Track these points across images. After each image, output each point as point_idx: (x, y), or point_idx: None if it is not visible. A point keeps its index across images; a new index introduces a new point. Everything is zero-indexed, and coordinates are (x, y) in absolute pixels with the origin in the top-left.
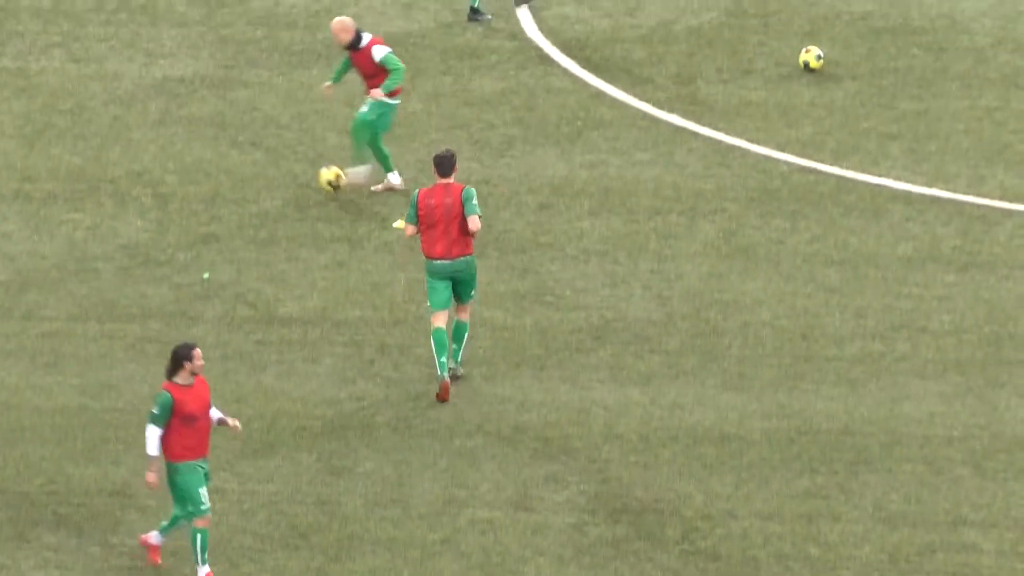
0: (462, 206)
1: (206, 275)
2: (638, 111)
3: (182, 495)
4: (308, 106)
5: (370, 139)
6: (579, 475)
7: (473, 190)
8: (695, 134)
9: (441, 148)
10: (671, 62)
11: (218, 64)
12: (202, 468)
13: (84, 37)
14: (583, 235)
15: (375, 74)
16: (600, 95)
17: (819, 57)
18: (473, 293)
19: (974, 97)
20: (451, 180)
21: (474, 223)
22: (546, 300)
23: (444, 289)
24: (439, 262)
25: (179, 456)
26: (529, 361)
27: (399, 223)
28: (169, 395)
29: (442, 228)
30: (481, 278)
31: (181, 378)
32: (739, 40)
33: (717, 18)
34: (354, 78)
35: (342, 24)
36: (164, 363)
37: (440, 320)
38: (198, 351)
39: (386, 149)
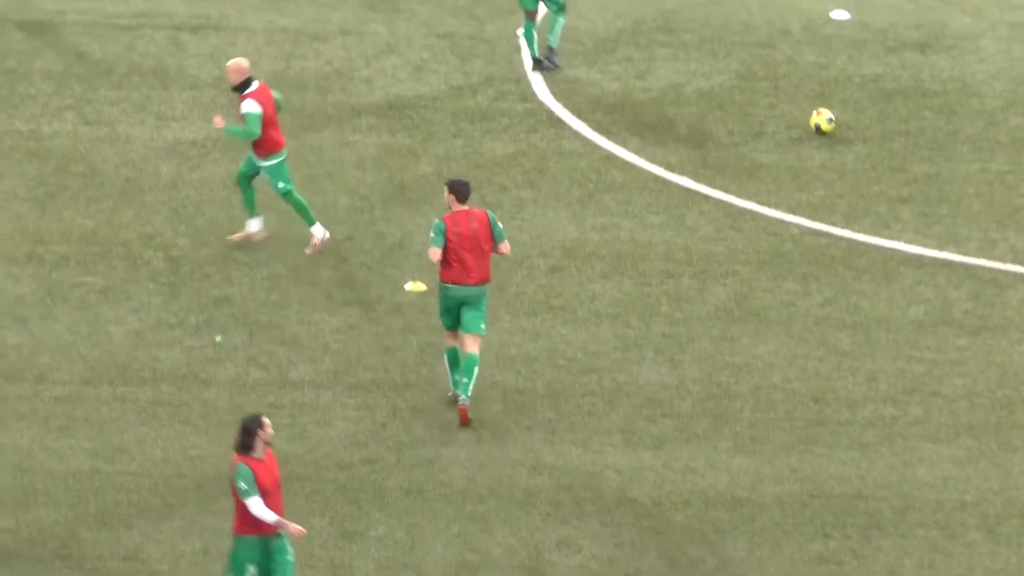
0: (490, 231)
1: (218, 338)
2: (649, 174)
3: (231, 566)
4: (319, 168)
5: (242, 182)
6: (592, 539)
7: (494, 214)
8: (706, 197)
9: (454, 177)
10: (682, 125)
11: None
12: (268, 545)
13: (96, 100)
14: (595, 298)
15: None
16: (611, 158)
17: (830, 120)
18: (483, 325)
19: (985, 160)
20: (467, 206)
21: (506, 247)
22: (558, 363)
23: (452, 315)
24: (459, 287)
25: (241, 529)
26: (541, 424)
27: (411, 285)
28: (248, 466)
29: (470, 254)
30: (492, 340)
31: (256, 451)
32: (750, 103)
33: (728, 81)
34: (363, 143)
35: (236, 65)
36: (176, 425)
37: (452, 340)
38: (267, 420)
39: (252, 194)
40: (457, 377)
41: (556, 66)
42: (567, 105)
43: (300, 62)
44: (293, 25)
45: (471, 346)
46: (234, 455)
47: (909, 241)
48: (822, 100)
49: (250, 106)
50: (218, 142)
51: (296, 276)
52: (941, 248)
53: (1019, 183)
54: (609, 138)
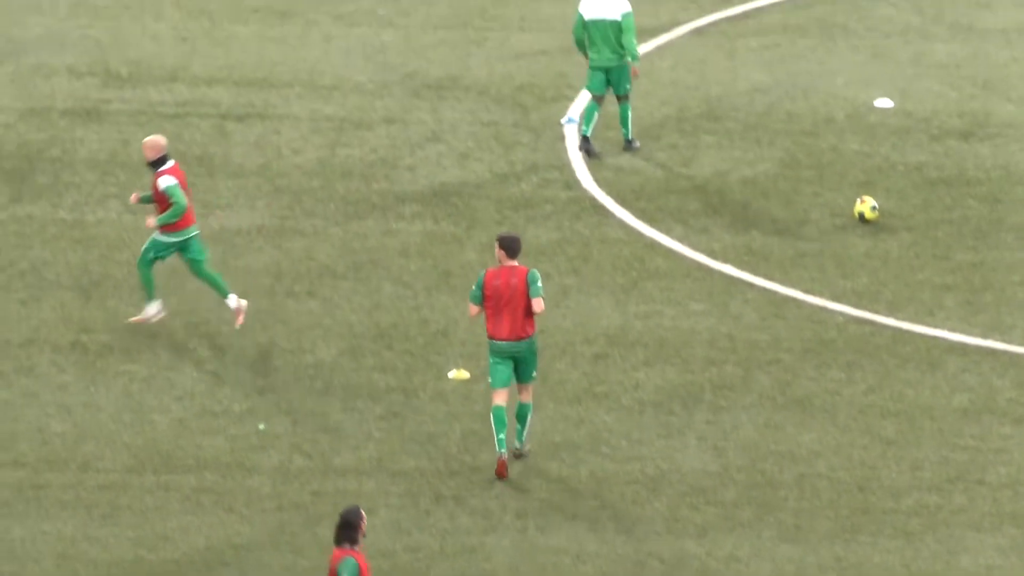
0: (527, 287)
1: (262, 426)
2: (693, 261)
3: None
4: (364, 256)
5: (142, 264)
6: None
7: (537, 272)
8: (750, 284)
9: (506, 231)
10: (726, 212)
11: (274, 214)
12: None
13: (141, 188)
14: (638, 386)
15: (161, 201)
16: (655, 245)
17: (874, 208)
18: (534, 374)
19: None
20: (516, 263)
21: (538, 305)
22: (601, 451)
23: (505, 368)
24: (503, 343)
25: None
26: (584, 512)
27: (455, 373)
28: (355, 560)
29: (507, 310)
30: (536, 428)
31: (359, 543)
32: (794, 191)
33: (772, 169)
34: (407, 231)
35: (153, 142)
36: (220, 513)
37: (500, 398)
38: (363, 513)
39: (152, 276)
40: (502, 437)
41: (594, 153)
42: (611, 193)
43: (345, 150)
44: (338, 113)
45: (524, 395)
46: (335, 549)
47: (953, 329)
48: (866, 188)
49: (168, 180)
50: (262, 229)
51: (339, 364)
52: (985, 336)
53: None
54: (653, 226)
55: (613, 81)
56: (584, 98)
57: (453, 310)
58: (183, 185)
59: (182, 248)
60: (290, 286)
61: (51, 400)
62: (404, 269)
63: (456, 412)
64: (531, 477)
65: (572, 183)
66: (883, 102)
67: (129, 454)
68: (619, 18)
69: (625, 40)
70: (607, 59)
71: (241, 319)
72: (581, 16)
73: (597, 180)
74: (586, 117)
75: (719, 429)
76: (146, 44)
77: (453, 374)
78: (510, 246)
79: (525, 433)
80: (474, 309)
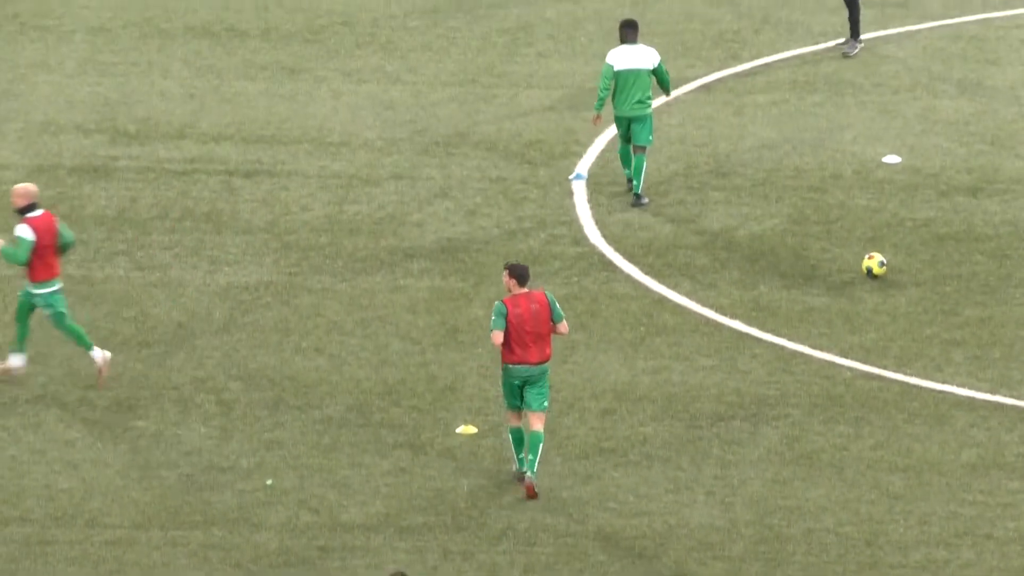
0: (550, 312)
1: (269, 481)
2: (701, 317)
3: None
4: (371, 312)
5: (20, 314)
6: None
7: (552, 294)
8: (758, 340)
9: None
10: (734, 268)
11: (282, 271)
12: None
13: (149, 245)
14: (646, 441)
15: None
16: (663, 301)
17: (882, 263)
18: (546, 403)
19: None
20: (527, 289)
21: (564, 327)
22: (609, 506)
23: (515, 395)
24: (522, 367)
25: None
26: (592, 568)
27: (462, 428)
28: None
29: (532, 335)
30: (544, 483)
31: None
32: (802, 246)
33: (780, 224)
34: (415, 287)
35: (24, 189)
36: (228, 569)
37: (516, 419)
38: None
39: (27, 329)
40: (522, 455)
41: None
42: (619, 248)
43: (353, 206)
44: (346, 170)
45: (536, 424)
46: None
47: (961, 384)
48: (874, 244)
49: (24, 231)
50: (271, 286)
51: (347, 419)
52: (993, 391)
53: None
54: (661, 281)
55: (635, 131)
56: (594, 153)
57: (461, 366)
58: (47, 235)
59: (44, 301)
60: (298, 342)
61: (58, 457)
62: (412, 325)
63: (464, 468)
64: (538, 532)
65: (580, 239)
66: (891, 158)
67: (136, 510)
68: (652, 67)
69: (664, 83)
70: (632, 108)
71: (105, 373)
72: (611, 67)
73: (605, 236)
74: (623, 159)
75: (727, 484)
76: (154, 101)
77: (461, 429)
78: (522, 274)
79: (536, 463)
80: (499, 336)
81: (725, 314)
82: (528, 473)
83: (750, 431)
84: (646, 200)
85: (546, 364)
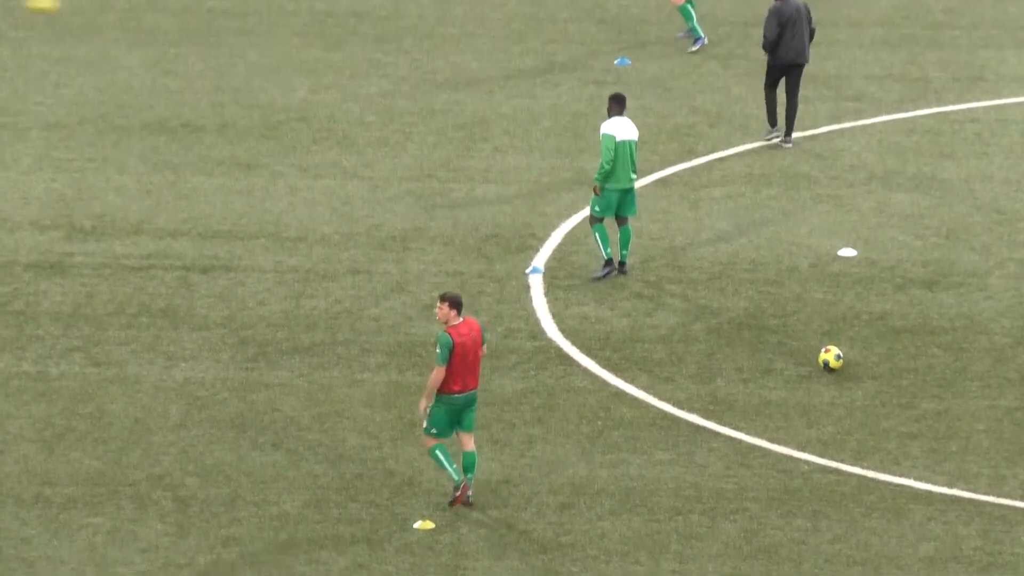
0: (481, 336)
1: None
2: (658, 410)
3: None
4: (328, 407)
5: None
6: None
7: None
8: (716, 433)
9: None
10: (691, 362)
11: (239, 366)
12: None
13: (105, 341)
14: (604, 535)
15: None
16: (620, 394)
17: (838, 357)
18: (474, 418)
19: (994, 397)
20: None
21: (485, 349)
22: None
23: (453, 422)
24: (465, 394)
25: None
26: None
27: (420, 524)
28: None
29: (470, 362)
30: None
31: None
32: (759, 340)
33: (736, 318)
34: (372, 382)
35: None
36: None
37: (435, 441)
38: None
39: None
40: (455, 467)
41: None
42: (576, 342)
43: (310, 301)
44: (303, 264)
45: (469, 443)
46: None
47: (919, 478)
48: (830, 337)
49: None
50: (227, 382)
51: (304, 515)
52: (951, 485)
53: None
54: (618, 375)
55: (627, 203)
56: (551, 246)
57: (419, 461)
58: None
59: None
60: (255, 438)
61: (13, 555)
62: (369, 420)
63: (422, 564)
64: None
65: (537, 333)
66: (847, 251)
67: None
68: (637, 138)
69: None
70: (627, 180)
71: None
72: (612, 137)
73: (562, 330)
74: (603, 239)
75: None
76: (110, 197)
77: (419, 525)
78: (460, 301)
79: (473, 480)
80: (443, 372)
81: (682, 408)
82: (467, 477)
83: (708, 525)
84: (626, 269)
85: (477, 388)
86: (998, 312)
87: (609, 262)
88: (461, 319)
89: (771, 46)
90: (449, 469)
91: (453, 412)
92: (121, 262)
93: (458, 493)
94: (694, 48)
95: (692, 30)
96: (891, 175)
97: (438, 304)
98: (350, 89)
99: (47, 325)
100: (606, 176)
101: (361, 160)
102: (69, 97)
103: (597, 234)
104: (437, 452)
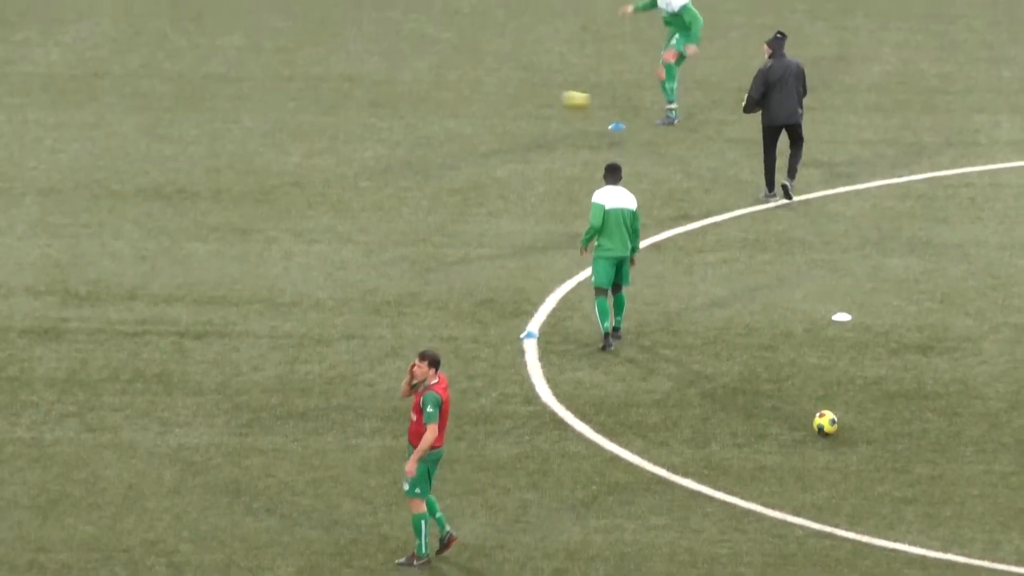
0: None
1: None
2: (653, 475)
3: None
4: (323, 472)
5: None
6: None
7: None
8: (710, 498)
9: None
10: (685, 426)
11: (233, 431)
12: None
13: (99, 407)
14: None
15: None
16: (615, 459)
17: (833, 422)
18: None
19: (989, 462)
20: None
21: None
22: None
23: (430, 478)
24: (439, 451)
25: None
26: None
27: None
28: None
29: (447, 417)
30: None
31: None
32: (753, 404)
33: (731, 383)
34: (366, 447)
35: None
36: None
37: (423, 507)
38: None
39: None
40: (428, 549)
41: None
42: (570, 407)
43: (304, 366)
44: (297, 330)
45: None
46: None
47: (913, 543)
48: (825, 402)
49: None
50: (221, 447)
51: None
52: (945, 550)
53: (1023, 485)
54: (612, 440)
55: (624, 272)
56: (545, 311)
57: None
58: None
59: None
60: (249, 503)
61: None
62: (364, 485)
63: None
64: None
65: (532, 397)
66: (841, 316)
67: None
68: (635, 208)
69: (637, 228)
70: (622, 249)
71: None
72: (601, 206)
73: (557, 395)
74: (602, 314)
75: None
76: (105, 263)
77: None
78: (438, 360)
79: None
80: (436, 430)
81: (677, 472)
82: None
83: None
84: (619, 335)
85: None
86: (993, 377)
87: (607, 335)
88: (439, 375)
89: (752, 106)
90: (423, 542)
91: (431, 470)
92: (116, 328)
93: (449, 540)
94: (661, 123)
95: (670, 100)
96: (885, 240)
97: (416, 362)
98: (344, 154)
99: (42, 391)
100: (593, 237)
101: (356, 225)
102: (64, 163)
103: (597, 308)
104: (422, 523)
